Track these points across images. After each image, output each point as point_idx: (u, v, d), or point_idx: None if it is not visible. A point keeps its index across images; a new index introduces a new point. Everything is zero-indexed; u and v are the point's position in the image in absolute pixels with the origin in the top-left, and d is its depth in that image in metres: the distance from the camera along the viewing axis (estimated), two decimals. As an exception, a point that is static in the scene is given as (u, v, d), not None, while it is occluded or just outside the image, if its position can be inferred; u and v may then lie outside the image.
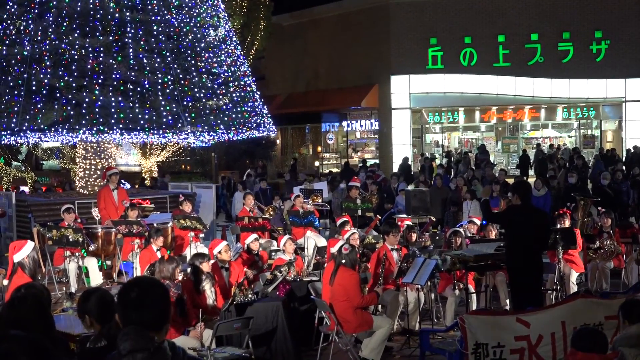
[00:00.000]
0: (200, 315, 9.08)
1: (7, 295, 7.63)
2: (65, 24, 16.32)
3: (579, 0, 32.39)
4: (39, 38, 16.26)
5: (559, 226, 12.45)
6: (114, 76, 16.26)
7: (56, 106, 15.97)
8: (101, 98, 15.97)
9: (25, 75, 16.01)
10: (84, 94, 15.98)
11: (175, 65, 17.10)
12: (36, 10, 16.49)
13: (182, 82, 17.11)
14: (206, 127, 17.34)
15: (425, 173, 25.43)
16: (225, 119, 17.76)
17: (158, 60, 16.82)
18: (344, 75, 36.08)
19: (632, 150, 29.06)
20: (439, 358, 8.93)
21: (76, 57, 16.13)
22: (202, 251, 11.84)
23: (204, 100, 17.58)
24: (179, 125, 16.69)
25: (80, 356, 4.67)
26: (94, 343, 4.63)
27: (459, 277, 11.23)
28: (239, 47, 20.30)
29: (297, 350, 9.82)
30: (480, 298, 11.79)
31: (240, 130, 18.34)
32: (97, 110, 15.88)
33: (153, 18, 17.05)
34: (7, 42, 16.47)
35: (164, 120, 16.46)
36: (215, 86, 17.98)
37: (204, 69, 17.82)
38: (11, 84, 16.08)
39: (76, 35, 16.27)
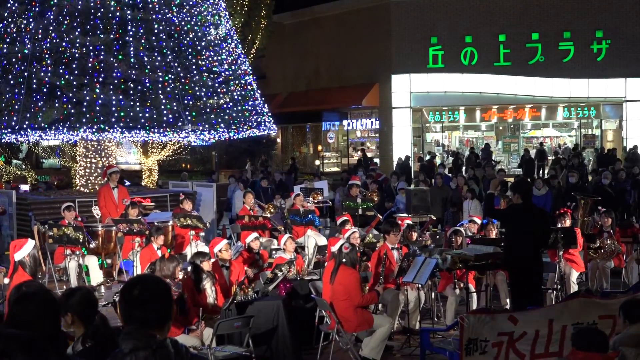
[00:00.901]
0: (200, 313, 9.07)
1: (8, 293, 7.64)
2: (66, 22, 16.33)
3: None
4: (40, 36, 16.27)
5: (559, 225, 12.45)
6: (114, 74, 16.27)
7: (57, 104, 15.98)
8: (102, 96, 15.98)
9: (25, 74, 16.02)
10: (85, 92, 15.98)
11: (176, 64, 17.10)
12: (37, 9, 16.50)
13: (183, 80, 17.12)
14: (207, 126, 17.35)
15: (425, 172, 25.42)
16: (226, 117, 17.77)
17: (159, 58, 16.82)
18: (344, 74, 36.09)
19: (632, 150, 29.06)
20: (440, 357, 8.93)
21: (77, 55, 16.14)
22: (202, 250, 11.84)
23: (204, 98, 17.59)
24: (180, 123, 16.70)
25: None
26: (83, 344, 4.60)
27: (460, 276, 11.22)
28: (240, 46, 20.31)
29: (297, 349, 9.81)
30: (480, 297, 11.79)
31: (240, 129, 18.34)
32: (97, 108, 15.89)
33: (154, 16, 17.06)
34: (7, 40, 16.47)
35: (165, 118, 16.47)
36: (216, 85, 17.99)
37: (204, 68, 17.83)
38: (12, 82, 16.09)
39: (77, 33, 16.28)
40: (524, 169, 29.44)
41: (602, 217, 13.79)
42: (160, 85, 16.63)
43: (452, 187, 20.65)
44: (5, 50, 16.41)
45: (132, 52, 16.48)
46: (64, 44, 16.19)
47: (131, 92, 16.36)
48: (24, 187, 24.49)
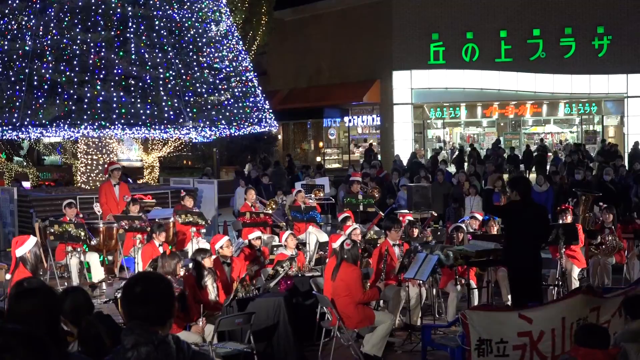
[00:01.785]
0: (201, 310, 9.08)
1: (9, 289, 7.64)
2: (67, 18, 16.32)
3: (582, -5, 32.39)
4: (41, 33, 16.26)
5: (560, 222, 12.44)
6: (115, 71, 16.26)
7: (58, 101, 15.97)
8: (103, 93, 15.98)
9: (27, 70, 16.01)
10: (86, 89, 15.98)
11: (177, 61, 17.10)
12: (38, 5, 16.49)
13: (184, 77, 17.11)
14: (208, 123, 17.34)
15: (430, 167, 25.42)
16: (227, 114, 17.76)
17: (160, 55, 16.82)
18: (345, 71, 36.09)
19: (634, 147, 29.06)
20: (441, 353, 8.93)
21: (78, 52, 16.13)
22: (203, 247, 11.84)
23: (205, 95, 17.58)
24: (181, 120, 16.69)
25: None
26: (79, 345, 4.61)
27: (461, 272, 11.23)
28: (241, 42, 20.30)
29: (298, 345, 9.81)
30: (482, 294, 11.78)
31: (241, 126, 18.33)
32: (98, 105, 15.88)
33: (155, 13, 17.05)
34: (8, 37, 16.47)
35: (166, 115, 16.46)
36: (217, 81, 17.98)
37: (205, 64, 17.82)
38: (13, 79, 16.09)
39: (78, 30, 16.27)
40: (525, 165, 29.47)
41: (603, 213, 13.78)
42: (161, 82, 16.62)
43: (454, 183, 20.64)
44: (6, 47, 16.41)
45: (133, 49, 16.48)
46: (64, 40, 16.19)
47: (132, 88, 16.36)
48: (26, 184, 24.53)
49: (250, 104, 18.74)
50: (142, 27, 16.78)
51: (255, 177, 23.72)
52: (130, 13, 16.68)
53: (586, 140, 34.15)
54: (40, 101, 15.93)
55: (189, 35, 17.67)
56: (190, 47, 17.62)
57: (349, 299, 9.68)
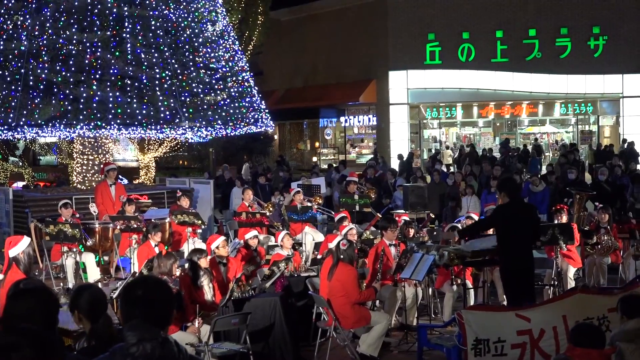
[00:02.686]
0: (198, 310, 9.07)
1: (2, 291, 7.62)
2: (62, 18, 16.31)
3: (577, -5, 32.43)
4: (37, 33, 16.24)
5: (556, 222, 12.45)
6: (111, 71, 16.25)
7: (54, 101, 15.95)
8: (99, 93, 15.96)
9: (22, 70, 15.99)
10: (82, 89, 15.96)
11: (173, 61, 17.09)
12: (34, 5, 16.47)
13: (180, 77, 17.11)
14: (204, 123, 17.34)
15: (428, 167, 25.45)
16: (223, 114, 17.76)
17: (156, 55, 16.81)
18: (341, 71, 36.09)
19: (629, 147, 29.09)
20: (437, 353, 8.93)
21: (74, 52, 16.12)
22: (199, 247, 11.83)
23: (201, 95, 17.57)
24: (177, 120, 16.68)
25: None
26: (88, 342, 4.61)
27: (457, 272, 11.22)
28: (237, 42, 20.30)
29: (294, 345, 9.81)
30: (477, 293, 11.78)
31: (238, 126, 18.33)
32: (94, 105, 15.87)
33: (151, 13, 17.04)
34: (4, 36, 16.45)
35: (162, 115, 16.46)
36: (213, 81, 17.98)
37: (201, 64, 17.82)
38: (8, 78, 16.07)
39: (74, 30, 16.26)
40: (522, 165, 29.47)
41: (599, 213, 13.81)
42: (157, 82, 16.61)
43: (450, 183, 20.67)
44: (1, 47, 16.38)
45: (129, 49, 16.47)
46: (60, 40, 16.17)
47: (128, 88, 16.35)
48: (21, 184, 24.51)
49: (247, 104, 18.74)
50: (138, 27, 16.77)
51: (253, 176, 23.73)
52: (126, 13, 16.67)
53: (582, 140, 34.18)
54: (36, 101, 15.91)
55: (185, 35, 17.66)
56: (187, 47, 17.62)
57: (345, 299, 9.69)
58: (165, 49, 17.03)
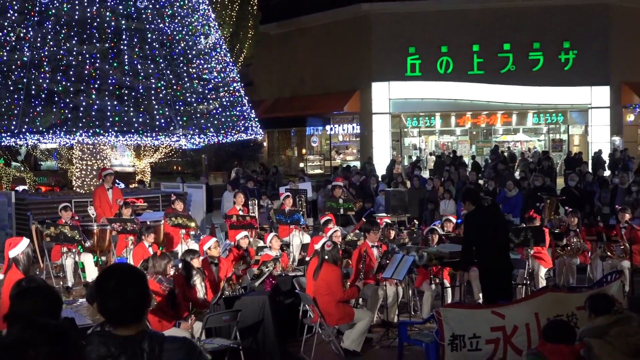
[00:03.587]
0: (190, 308, 9.06)
1: (2, 290, 7.58)
2: (63, 31, 16.25)
3: (549, 12, 32.60)
4: (38, 44, 16.17)
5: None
6: (109, 81, 16.20)
7: (54, 109, 15.88)
8: (97, 102, 15.91)
9: (25, 80, 15.92)
10: (81, 98, 15.91)
11: (168, 71, 17.05)
12: (36, 18, 16.40)
13: (175, 87, 17.07)
14: (197, 130, 17.30)
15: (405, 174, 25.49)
16: (215, 122, 17.73)
17: (152, 66, 16.77)
18: (327, 82, 36.13)
19: (597, 154, 29.27)
20: (416, 349, 8.94)
21: (74, 62, 16.06)
22: (192, 248, 11.81)
23: (195, 104, 17.54)
24: (171, 128, 16.65)
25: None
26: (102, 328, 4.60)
27: (435, 272, 11.25)
28: (229, 55, 20.27)
29: (282, 341, 9.81)
30: (455, 292, 11.81)
31: (229, 133, 18.30)
32: (93, 113, 15.82)
33: (147, 26, 17.01)
34: (7, 48, 16.36)
35: (157, 123, 16.41)
36: (206, 91, 17.95)
37: (195, 75, 17.79)
38: (11, 88, 15.99)
39: (74, 42, 16.20)
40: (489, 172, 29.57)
41: (568, 216, 13.88)
42: (153, 92, 16.57)
43: (429, 188, 20.72)
44: (5, 58, 16.30)
45: (126, 60, 16.43)
46: (61, 52, 16.11)
47: (125, 98, 16.30)
48: (22, 188, 24.37)
49: (237, 113, 18.71)
50: (135, 40, 16.73)
51: (243, 181, 23.67)
52: (123, 26, 16.63)
53: (553, 148, 34.35)
54: (38, 109, 15.84)
55: (179, 47, 17.63)
56: (181, 58, 17.58)
57: (329, 297, 9.69)
58: (161, 60, 17.00)
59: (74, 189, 18.60)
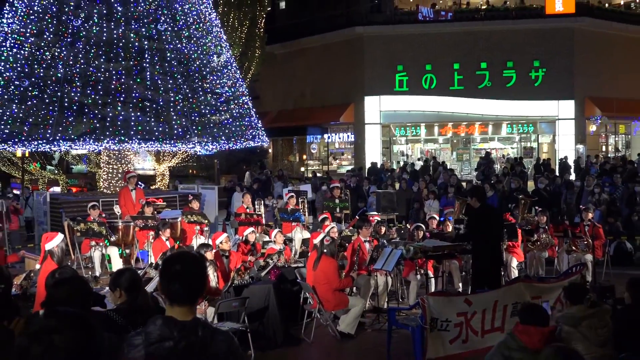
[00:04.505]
0: (204, 295, 9.05)
1: (38, 278, 7.58)
2: (92, 50, 16.25)
3: (521, 35, 32.62)
4: (71, 62, 16.17)
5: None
6: (133, 95, 16.20)
7: (85, 120, 15.88)
8: (122, 113, 15.91)
9: (59, 94, 15.91)
10: (108, 109, 15.91)
11: (185, 86, 17.05)
12: (69, 39, 16.40)
13: (191, 100, 17.06)
14: (210, 138, 17.30)
15: (395, 177, 25.45)
16: (227, 131, 17.73)
17: (171, 81, 16.77)
18: (325, 95, 36.12)
19: (563, 160, 29.29)
20: (403, 332, 8.95)
21: (102, 78, 16.06)
22: (206, 242, 11.81)
23: (208, 115, 17.53)
24: (188, 136, 16.64)
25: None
26: (127, 305, 4.63)
27: (421, 264, 11.27)
28: (238, 71, 20.27)
29: (285, 324, 9.81)
30: (438, 282, 11.83)
31: (238, 141, 18.30)
32: (119, 123, 15.81)
33: (167, 46, 17.01)
34: (44, 65, 16.36)
35: (175, 132, 16.41)
36: (218, 104, 17.94)
37: (209, 90, 17.78)
38: (47, 100, 15.99)
39: (102, 60, 16.20)
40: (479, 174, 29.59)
41: (538, 215, 13.91)
42: (171, 104, 16.57)
43: (415, 189, 20.72)
44: (41, 74, 16.30)
45: (148, 76, 16.43)
46: (91, 69, 16.11)
47: (147, 109, 16.29)
48: (57, 189, 24.33)
49: (246, 123, 18.71)
50: (156, 58, 16.73)
51: (250, 184, 23.67)
52: (146, 46, 16.64)
53: (524, 154, 34.34)
54: (70, 119, 15.84)
55: (195, 65, 17.63)
56: (196, 75, 17.58)
57: (327, 286, 9.70)
58: (179, 76, 17.00)
59: (102, 189, 18.59)
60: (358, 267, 11.07)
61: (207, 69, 17.97)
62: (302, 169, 39.34)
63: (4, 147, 16.74)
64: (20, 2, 17.08)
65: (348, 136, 36.99)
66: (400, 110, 33.93)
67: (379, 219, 14.46)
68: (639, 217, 16.91)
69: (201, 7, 18.51)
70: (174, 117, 16.53)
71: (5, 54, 16.71)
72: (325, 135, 38.92)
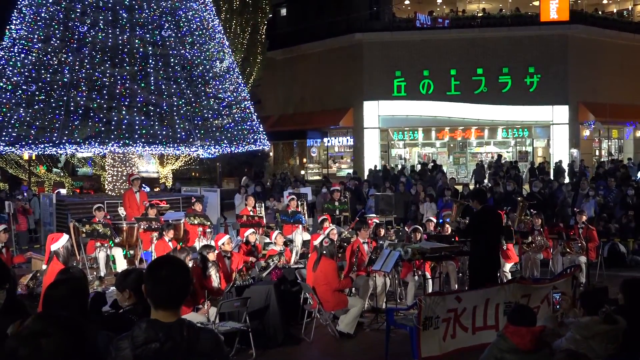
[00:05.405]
0: (206, 295, 9.05)
1: (44, 278, 7.57)
2: (98, 56, 16.26)
3: (516, 42, 32.63)
4: (77, 67, 16.18)
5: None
6: (138, 99, 16.21)
7: (90, 123, 15.89)
8: (127, 117, 15.92)
9: (65, 98, 15.93)
10: (113, 113, 15.92)
11: (188, 91, 17.06)
12: (75, 45, 16.42)
13: (194, 104, 17.07)
14: (213, 142, 17.31)
15: (390, 180, 25.43)
16: (229, 135, 17.73)
17: (174, 86, 16.78)
18: (325, 100, 36.13)
19: (558, 164, 29.29)
20: (401, 332, 8.94)
21: (107, 83, 16.07)
22: (208, 243, 11.80)
23: (211, 119, 17.55)
24: (191, 140, 16.65)
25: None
26: (133, 308, 4.60)
27: (418, 265, 11.25)
28: (240, 77, 20.28)
29: (285, 324, 9.80)
30: (435, 282, 11.82)
31: (240, 145, 18.31)
32: (123, 127, 15.82)
33: (170, 52, 17.02)
34: (50, 70, 16.37)
35: (178, 135, 16.42)
36: (221, 108, 17.96)
37: (211, 94, 17.79)
38: (53, 105, 16.00)
39: (107, 65, 16.22)
40: (475, 178, 29.62)
41: (533, 217, 13.90)
42: (175, 109, 16.58)
43: (412, 192, 20.71)
44: (48, 79, 16.31)
45: (152, 81, 16.44)
46: (96, 74, 16.12)
47: (151, 113, 16.30)
48: (63, 191, 24.32)
49: (247, 127, 18.72)
50: (160, 64, 16.74)
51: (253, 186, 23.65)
52: (150, 52, 16.65)
53: (519, 158, 34.34)
54: (76, 123, 15.85)
55: (198, 70, 17.64)
56: (199, 80, 17.59)
57: (327, 287, 9.69)
58: (182, 81, 17.01)
59: (106, 191, 18.59)
60: (357, 268, 11.06)
61: (210, 74, 17.98)
62: (302, 171, 39.32)
63: (11, 150, 16.75)
64: (28, 8, 17.09)
65: (347, 140, 36.99)
66: (398, 114, 33.94)
67: (378, 221, 14.45)
68: (632, 219, 16.91)
69: (204, 14, 18.53)
70: (178, 121, 16.53)
71: (13, 59, 16.73)
72: (325, 139, 38.92)
